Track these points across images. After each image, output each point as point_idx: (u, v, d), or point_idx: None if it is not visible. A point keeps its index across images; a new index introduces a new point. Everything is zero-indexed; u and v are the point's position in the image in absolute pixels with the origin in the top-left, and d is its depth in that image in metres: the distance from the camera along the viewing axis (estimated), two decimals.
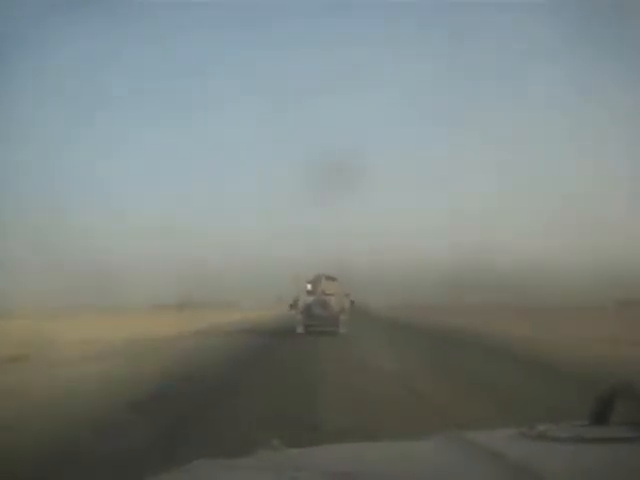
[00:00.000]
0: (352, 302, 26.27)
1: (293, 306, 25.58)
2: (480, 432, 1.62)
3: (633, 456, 1.31)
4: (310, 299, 24.92)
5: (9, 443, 6.08)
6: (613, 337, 18.59)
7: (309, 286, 25.35)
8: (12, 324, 23.52)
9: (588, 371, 11.06)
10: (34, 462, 5.41)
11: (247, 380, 11.23)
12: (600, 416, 1.55)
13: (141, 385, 10.74)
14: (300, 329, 24.65)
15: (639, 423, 1.42)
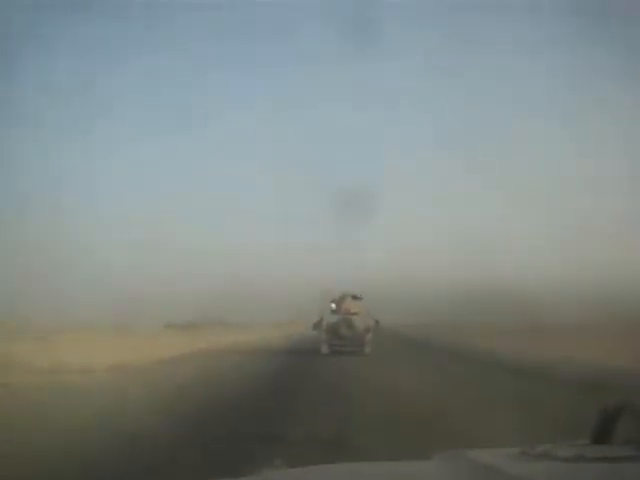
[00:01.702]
0: (377, 322, 26.08)
1: (317, 326, 25.44)
2: (481, 451, 1.61)
3: (635, 475, 1.30)
4: (335, 318, 24.75)
5: None
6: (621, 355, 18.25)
7: (333, 305, 25.22)
8: None
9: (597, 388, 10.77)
10: None
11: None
12: (602, 434, 1.54)
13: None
14: (325, 349, 24.45)
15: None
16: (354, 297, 25.42)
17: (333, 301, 25.27)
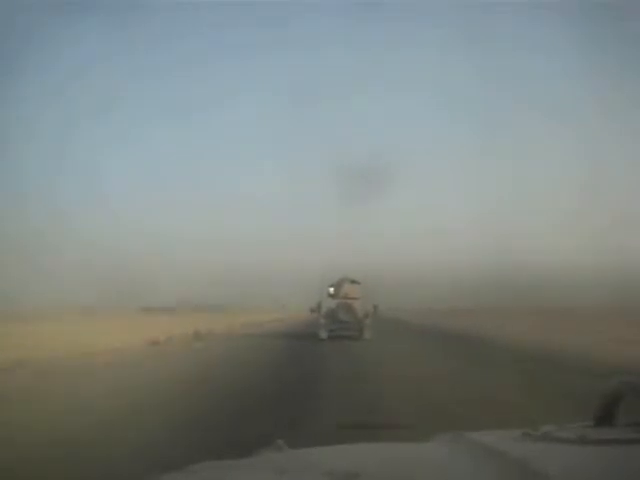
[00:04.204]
0: (375, 306, 26.07)
1: (315, 310, 25.41)
2: (484, 433, 1.59)
3: (636, 457, 1.28)
4: (334, 303, 24.72)
5: None
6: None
7: (331, 289, 25.14)
8: None
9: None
10: None
11: None
12: (605, 415, 1.51)
13: None
14: (323, 334, 24.42)
15: None
16: (352, 281, 25.31)
17: (331, 285, 25.22)
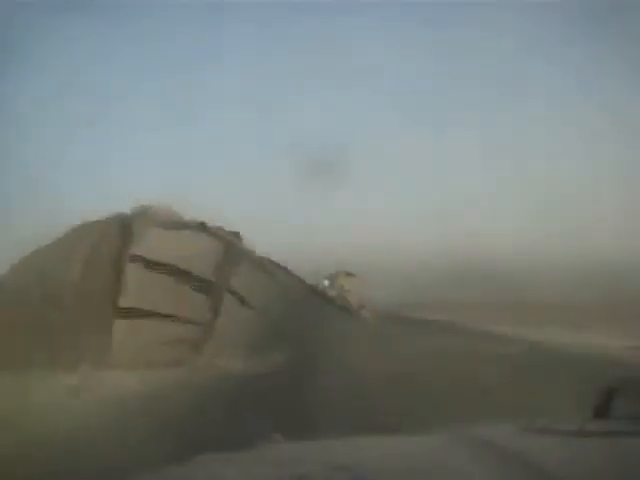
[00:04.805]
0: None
1: None
2: (482, 426, 1.60)
3: (633, 449, 1.30)
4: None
5: None
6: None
7: (326, 282, 25.20)
8: None
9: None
10: None
11: None
12: (601, 409, 1.54)
13: None
14: None
15: (638, 417, 1.40)
16: (348, 274, 25.37)
17: (326, 277, 25.25)
